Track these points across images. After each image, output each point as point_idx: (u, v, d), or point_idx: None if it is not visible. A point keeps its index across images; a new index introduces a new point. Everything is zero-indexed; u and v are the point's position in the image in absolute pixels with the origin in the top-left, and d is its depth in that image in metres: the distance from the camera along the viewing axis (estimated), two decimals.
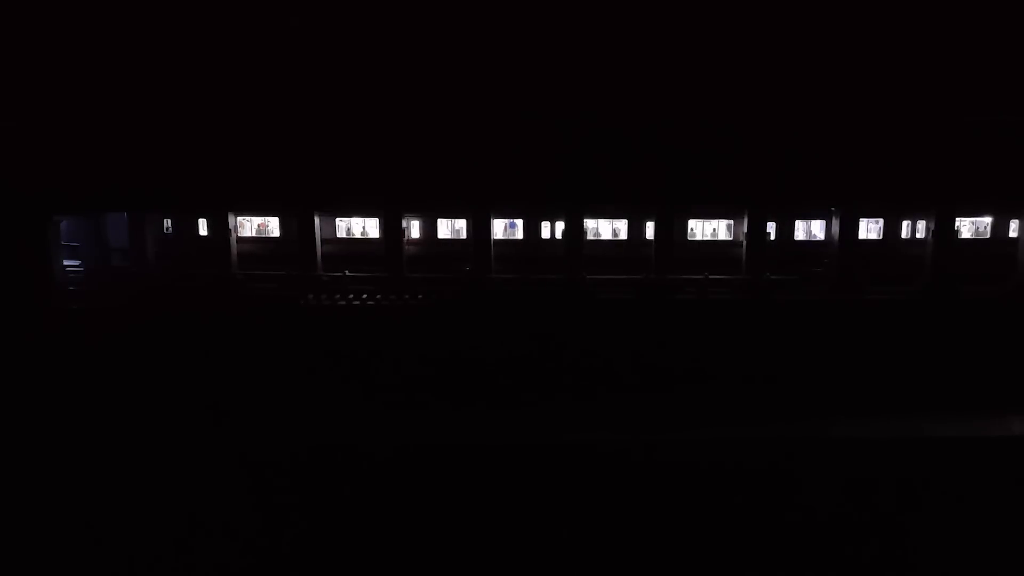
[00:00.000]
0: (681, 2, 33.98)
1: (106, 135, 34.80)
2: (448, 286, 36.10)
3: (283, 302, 35.06)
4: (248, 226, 38.82)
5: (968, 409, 30.74)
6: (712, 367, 33.02)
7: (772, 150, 34.37)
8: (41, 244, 35.79)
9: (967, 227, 37.56)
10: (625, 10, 34.00)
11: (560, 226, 37.25)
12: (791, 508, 25.04)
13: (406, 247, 37.38)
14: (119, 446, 27.70)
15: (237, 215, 38.16)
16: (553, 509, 24.65)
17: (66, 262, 38.48)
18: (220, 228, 37.69)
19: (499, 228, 38.40)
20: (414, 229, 38.47)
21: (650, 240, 37.34)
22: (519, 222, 38.34)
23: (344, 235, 38.80)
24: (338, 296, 35.40)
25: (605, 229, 38.58)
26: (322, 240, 37.86)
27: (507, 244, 38.32)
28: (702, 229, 38.41)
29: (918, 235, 37.38)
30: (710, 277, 36.09)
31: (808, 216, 37.75)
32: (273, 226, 38.85)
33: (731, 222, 38.08)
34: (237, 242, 38.22)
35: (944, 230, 35.89)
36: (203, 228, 38.95)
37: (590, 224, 38.04)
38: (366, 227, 38.69)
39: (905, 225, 37.45)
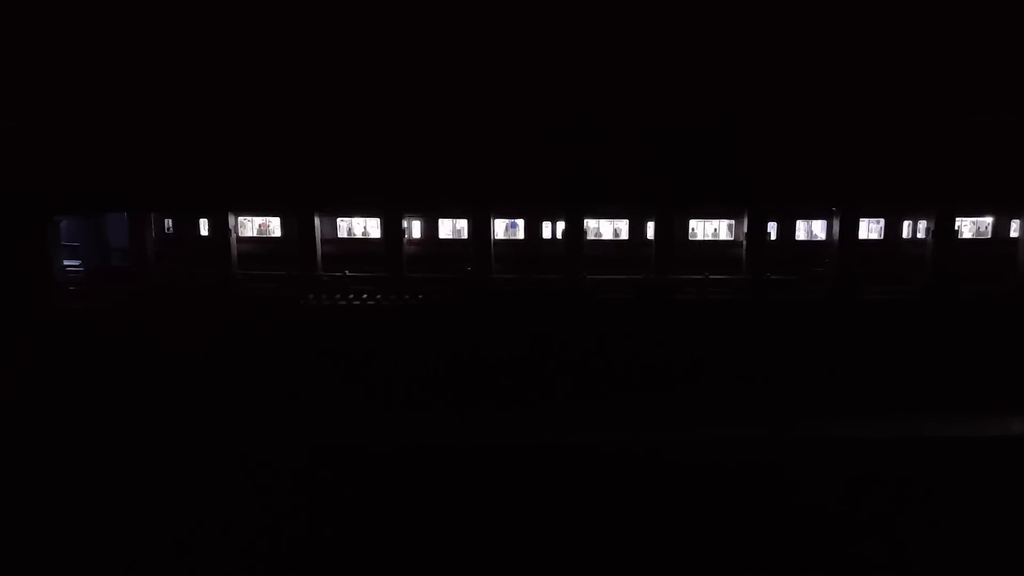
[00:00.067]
0: (682, 2, 33.99)
1: (106, 135, 34.80)
2: (449, 286, 36.11)
3: (283, 302, 35.06)
4: (249, 226, 38.84)
5: (968, 409, 30.73)
6: (712, 367, 33.02)
7: (773, 150, 34.36)
8: (41, 244, 35.79)
9: (967, 227, 37.58)
10: (626, 10, 34.00)
11: (561, 226, 37.25)
12: (791, 508, 25.04)
13: (407, 247, 37.39)
14: (119, 446, 27.68)
15: (237, 215, 38.18)
16: (553, 509, 24.65)
17: (66, 262, 38.48)
18: (220, 228, 37.72)
19: (500, 228, 38.43)
20: (415, 229, 38.48)
21: (651, 240, 37.34)
22: (520, 222, 38.34)
23: (345, 235, 38.82)
24: (338, 296, 35.41)
25: (606, 229, 38.59)
26: (322, 240, 37.88)
27: (508, 244, 38.32)
28: (703, 229, 38.42)
29: (919, 235, 37.40)
30: (710, 277, 36.10)
31: (809, 216, 37.77)
32: (274, 226, 38.86)
33: (731, 222, 38.08)
34: (237, 242, 38.24)
35: (944, 230, 35.90)
36: (204, 228, 38.97)
37: (591, 224, 38.03)
38: (367, 227, 38.72)
39: (906, 225, 37.47)
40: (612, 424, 30.00)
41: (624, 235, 38.43)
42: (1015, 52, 33.23)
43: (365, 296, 35.22)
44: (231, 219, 37.76)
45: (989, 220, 37.36)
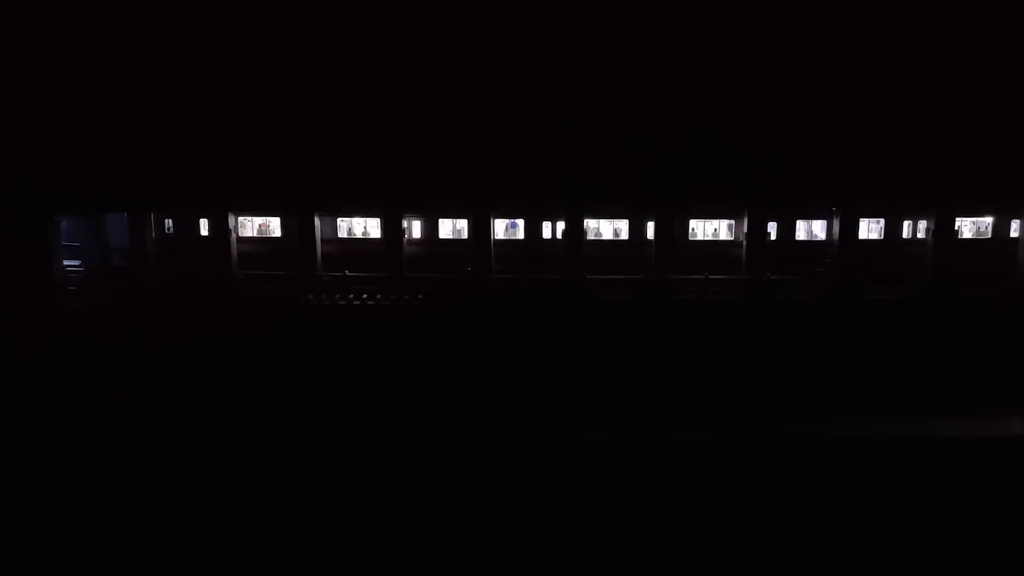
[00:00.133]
0: (682, 2, 33.99)
1: (106, 135, 34.78)
2: (449, 286, 36.11)
3: (283, 302, 35.06)
4: (249, 226, 38.84)
5: (968, 409, 30.75)
6: (712, 367, 33.01)
7: (772, 150, 34.37)
8: (41, 244, 35.76)
9: (967, 227, 37.60)
10: (626, 10, 34.00)
11: (561, 226, 37.26)
12: (791, 508, 25.04)
13: (407, 247, 37.39)
14: (119, 446, 27.68)
15: (237, 215, 38.17)
16: (553, 509, 24.66)
17: (66, 262, 38.46)
18: (220, 228, 37.72)
19: (500, 228, 38.43)
20: (415, 229, 38.49)
21: (651, 240, 37.35)
22: (520, 222, 38.35)
23: (345, 235, 38.82)
24: (338, 296, 35.41)
25: (606, 229, 38.61)
26: (322, 240, 37.88)
27: (508, 244, 38.33)
28: (703, 229, 38.44)
29: (919, 235, 37.41)
30: (710, 277, 36.11)
31: (809, 216, 37.78)
32: (274, 226, 38.87)
33: (731, 222, 38.10)
34: (237, 242, 38.24)
35: (944, 230, 35.91)
36: (204, 228, 38.97)
37: (591, 224, 38.06)
38: (367, 227, 38.71)
39: (906, 225, 37.47)
40: (612, 424, 30.00)
41: (624, 235, 38.45)
42: (1015, 52, 33.24)
43: (365, 296, 35.22)
44: (231, 219, 37.77)
45: (989, 220, 37.38)
